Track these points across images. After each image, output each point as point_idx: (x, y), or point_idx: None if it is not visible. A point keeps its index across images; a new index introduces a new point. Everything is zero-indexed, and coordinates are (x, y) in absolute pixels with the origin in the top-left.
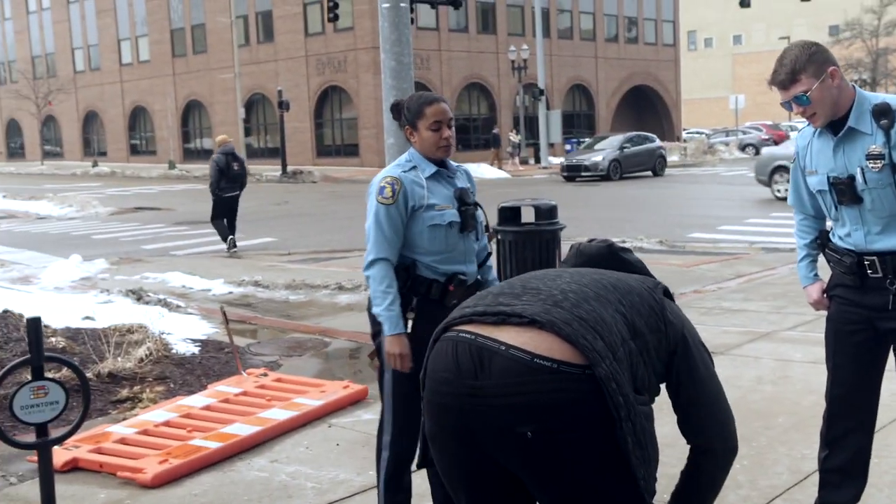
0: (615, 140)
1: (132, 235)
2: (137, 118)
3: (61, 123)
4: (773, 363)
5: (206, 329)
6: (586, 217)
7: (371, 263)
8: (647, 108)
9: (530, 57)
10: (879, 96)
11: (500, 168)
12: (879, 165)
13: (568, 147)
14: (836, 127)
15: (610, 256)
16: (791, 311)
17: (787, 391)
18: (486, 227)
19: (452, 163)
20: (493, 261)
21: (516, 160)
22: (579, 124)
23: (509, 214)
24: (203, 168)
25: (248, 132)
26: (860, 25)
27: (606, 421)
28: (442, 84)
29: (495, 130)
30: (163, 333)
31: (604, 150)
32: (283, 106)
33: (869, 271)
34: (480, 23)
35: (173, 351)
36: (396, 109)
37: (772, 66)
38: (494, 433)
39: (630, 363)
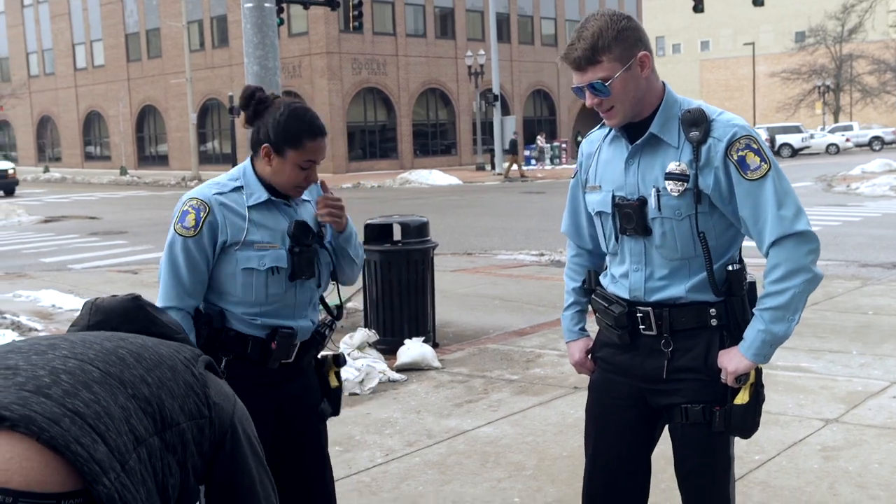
0: None
1: (37, 247)
2: (92, 123)
3: (15, 128)
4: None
5: None
6: (514, 227)
7: None
8: None
9: (487, 62)
10: (693, 101)
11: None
12: (680, 189)
13: (527, 153)
14: (634, 133)
15: (136, 314)
16: None
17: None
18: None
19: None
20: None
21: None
22: (541, 130)
23: (377, 233)
24: (156, 174)
25: (203, 138)
26: (824, 31)
27: None
28: (399, 89)
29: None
30: None
31: None
32: (234, 111)
33: (641, 327)
34: (439, 27)
35: None
36: (250, 101)
37: (738, 72)
38: None
39: (153, 471)
